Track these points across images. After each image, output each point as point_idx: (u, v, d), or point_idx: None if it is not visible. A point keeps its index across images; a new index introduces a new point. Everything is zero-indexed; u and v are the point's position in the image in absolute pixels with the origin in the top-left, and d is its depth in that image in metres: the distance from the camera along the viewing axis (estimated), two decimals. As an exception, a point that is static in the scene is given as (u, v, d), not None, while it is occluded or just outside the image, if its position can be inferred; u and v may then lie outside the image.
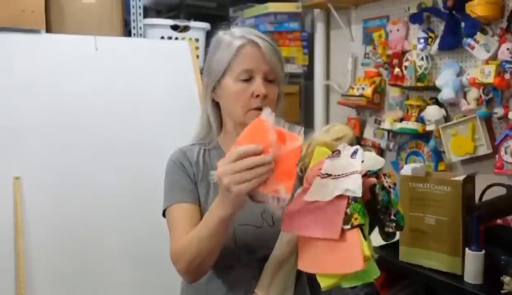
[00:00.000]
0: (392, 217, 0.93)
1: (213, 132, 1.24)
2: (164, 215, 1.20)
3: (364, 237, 0.90)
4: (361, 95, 2.51)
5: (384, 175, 0.96)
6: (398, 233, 1.79)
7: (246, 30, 1.20)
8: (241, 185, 0.88)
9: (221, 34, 1.20)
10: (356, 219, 0.88)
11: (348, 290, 2.24)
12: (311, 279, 1.03)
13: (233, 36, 1.17)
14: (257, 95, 1.13)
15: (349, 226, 0.88)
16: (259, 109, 1.14)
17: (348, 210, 0.88)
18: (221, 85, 1.18)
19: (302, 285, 1.22)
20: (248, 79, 1.15)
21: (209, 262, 1.06)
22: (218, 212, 0.97)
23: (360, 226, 0.88)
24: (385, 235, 0.96)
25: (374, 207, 0.93)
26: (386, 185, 0.93)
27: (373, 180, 0.91)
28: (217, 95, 1.21)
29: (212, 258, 1.05)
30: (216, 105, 1.23)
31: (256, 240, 1.12)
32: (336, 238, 0.89)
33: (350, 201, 0.88)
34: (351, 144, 1.00)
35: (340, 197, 0.89)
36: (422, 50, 2.23)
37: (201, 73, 2.49)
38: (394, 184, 0.96)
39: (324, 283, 0.92)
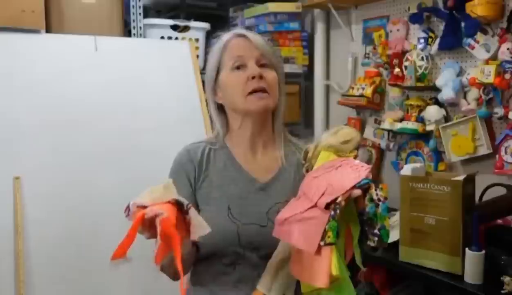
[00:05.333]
0: (376, 231, 0.93)
1: (221, 134, 1.28)
2: None
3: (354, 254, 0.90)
4: (361, 95, 2.50)
5: (377, 187, 0.96)
6: (398, 233, 1.80)
7: (237, 29, 1.26)
8: None
9: (214, 40, 1.27)
10: (329, 237, 0.89)
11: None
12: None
13: (222, 36, 1.24)
14: (253, 77, 1.16)
15: (323, 243, 0.90)
16: (258, 91, 1.17)
17: (327, 226, 0.90)
18: (219, 84, 1.22)
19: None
20: (242, 67, 1.18)
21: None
22: None
23: (331, 245, 0.89)
24: (370, 248, 0.96)
25: (360, 218, 0.93)
26: (375, 197, 0.93)
27: (358, 191, 0.91)
28: (218, 96, 1.24)
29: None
30: (221, 107, 1.26)
31: (260, 239, 1.14)
32: (313, 252, 0.91)
33: (330, 217, 0.90)
34: (357, 148, 1.01)
35: (324, 211, 0.91)
36: (422, 50, 2.23)
37: (201, 73, 2.50)
38: (385, 198, 0.95)
39: (304, 289, 0.97)
